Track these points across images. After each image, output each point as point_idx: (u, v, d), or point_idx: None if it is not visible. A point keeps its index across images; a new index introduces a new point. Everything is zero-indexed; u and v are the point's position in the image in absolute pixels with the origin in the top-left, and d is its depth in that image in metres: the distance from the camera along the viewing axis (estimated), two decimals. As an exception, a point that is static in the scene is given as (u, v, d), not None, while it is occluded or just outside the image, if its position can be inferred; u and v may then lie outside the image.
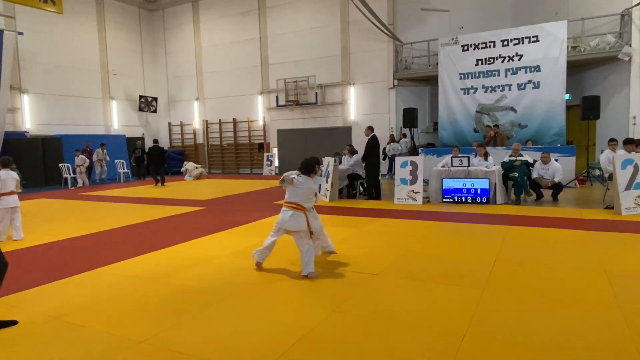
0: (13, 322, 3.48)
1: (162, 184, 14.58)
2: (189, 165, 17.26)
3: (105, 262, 5.15)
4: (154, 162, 14.81)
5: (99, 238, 6.59)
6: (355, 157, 10.25)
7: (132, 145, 17.89)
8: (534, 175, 9.04)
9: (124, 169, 17.26)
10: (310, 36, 17.56)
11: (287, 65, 18.04)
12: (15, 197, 6.55)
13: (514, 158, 9.12)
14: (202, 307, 3.70)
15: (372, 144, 9.65)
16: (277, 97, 18.30)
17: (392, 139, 15.13)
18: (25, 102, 16.38)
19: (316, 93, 17.41)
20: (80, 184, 14.91)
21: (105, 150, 16.42)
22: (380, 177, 10.14)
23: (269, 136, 19.13)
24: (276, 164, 18.47)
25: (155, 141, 15.34)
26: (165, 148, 21.27)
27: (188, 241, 6.17)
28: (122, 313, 3.63)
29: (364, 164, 9.86)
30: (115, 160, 17.21)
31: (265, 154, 18.44)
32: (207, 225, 7.32)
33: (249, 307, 3.71)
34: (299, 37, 17.83)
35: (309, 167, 4.59)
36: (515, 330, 3.09)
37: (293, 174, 4.59)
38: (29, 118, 16.48)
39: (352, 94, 17.08)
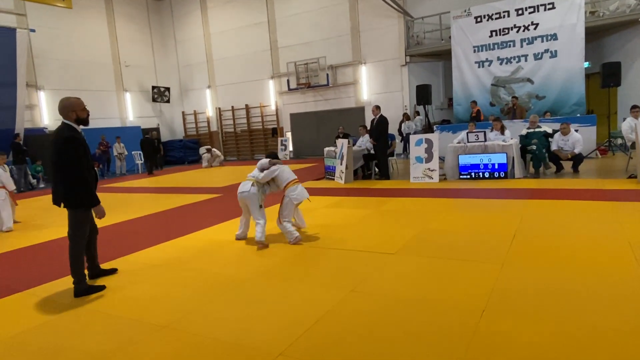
0: (113, 270, 4.42)
1: (151, 173, 15.72)
2: (214, 152, 17.34)
3: (125, 251, 5.27)
4: (147, 153, 16.05)
5: (119, 228, 6.74)
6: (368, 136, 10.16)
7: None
8: (553, 147, 8.83)
9: (141, 160, 17.50)
10: (319, 16, 17.29)
11: (296, 48, 17.86)
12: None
13: (532, 130, 8.91)
14: (222, 291, 3.76)
15: (383, 125, 9.55)
16: (288, 80, 18.19)
17: (407, 117, 14.95)
18: (42, 99, 16.66)
19: (327, 74, 17.24)
20: None
21: (122, 144, 16.68)
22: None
23: (282, 120, 19.10)
24: (290, 148, 18.48)
25: (146, 133, 16.54)
26: (181, 137, 21.58)
27: (206, 228, 6.26)
28: (144, 299, 3.73)
29: (373, 145, 9.80)
30: (132, 152, 17.46)
31: (279, 139, 18.45)
32: (224, 211, 7.39)
33: (268, 290, 3.76)
34: (307, 18, 17.58)
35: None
36: (536, 304, 3.06)
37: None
38: (47, 114, 16.78)
39: (364, 73, 16.86)
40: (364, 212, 6.60)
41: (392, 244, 4.77)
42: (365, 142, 10.14)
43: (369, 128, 10.18)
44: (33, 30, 15.65)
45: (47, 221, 7.70)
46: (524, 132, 9.04)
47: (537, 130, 8.83)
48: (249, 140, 20.16)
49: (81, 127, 3.94)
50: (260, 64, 19.02)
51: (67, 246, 3.94)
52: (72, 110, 3.83)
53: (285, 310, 3.28)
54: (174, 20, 21.14)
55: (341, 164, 9.69)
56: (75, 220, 3.89)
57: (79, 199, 3.81)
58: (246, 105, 19.84)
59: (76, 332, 3.22)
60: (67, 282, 4.21)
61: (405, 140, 14.07)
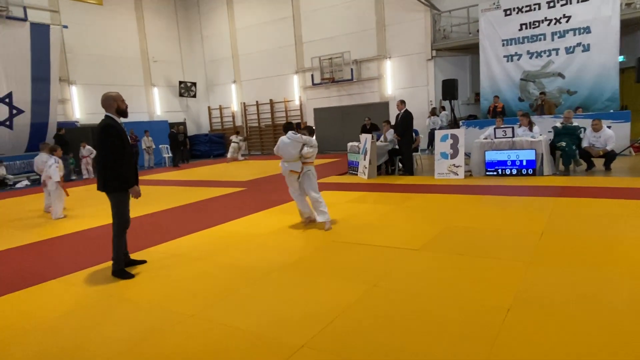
0: (142, 262, 4.53)
1: (177, 166, 16.51)
2: (242, 144, 17.70)
3: (154, 242, 5.41)
4: (171, 146, 17.05)
5: (148, 220, 6.91)
6: (392, 131, 10.08)
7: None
8: (584, 144, 8.57)
9: (168, 153, 17.87)
10: (344, 11, 17.20)
11: (321, 43, 17.83)
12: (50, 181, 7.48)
13: (565, 125, 8.63)
14: (246, 284, 3.83)
15: (408, 121, 9.46)
16: (312, 75, 18.19)
17: (433, 112, 14.76)
18: (74, 93, 17.19)
19: (351, 69, 17.16)
20: (85, 176, 14.49)
21: (150, 137, 17.07)
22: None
23: (306, 115, 19.13)
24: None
25: (172, 126, 17.51)
26: (207, 132, 21.90)
27: (231, 221, 6.36)
28: (172, 289, 3.82)
29: (397, 140, 9.72)
30: (160, 146, 17.84)
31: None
32: (249, 205, 7.49)
33: (291, 283, 3.80)
34: (332, 13, 17.52)
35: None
36: (563, 305, 2.99)
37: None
38: (78, 108, 17.32)
39: (389, 68, 16.69)
40: (387, 207, 6.57)
41: (416, 240, 4.74)
42: (389, 136, 10.07)
43: (393, 123, 10.10)
44: (66, 27, 16.14)
45: (81, 212, 7.96)
46: (558, 124, 8.79)
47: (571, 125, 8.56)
48: (272, 135, 20.26)
49: (121, 119, 4.20)
50: (284, 59, 19.08)
51: (97, 236, 4.11)
52: (114, 100, 4.15)
53: (309, 303, 3.32)
54: (200, 16, 21.42)
55: (364, 159, 9.66)
56: (113, 204, 4.20)
57: (114, 183, 4.10)
58: (270, 100, 19.96)
59: (105, 319, 3.33)
60: (97, 271, 4.37)
61: (430, 135, 13.89)
